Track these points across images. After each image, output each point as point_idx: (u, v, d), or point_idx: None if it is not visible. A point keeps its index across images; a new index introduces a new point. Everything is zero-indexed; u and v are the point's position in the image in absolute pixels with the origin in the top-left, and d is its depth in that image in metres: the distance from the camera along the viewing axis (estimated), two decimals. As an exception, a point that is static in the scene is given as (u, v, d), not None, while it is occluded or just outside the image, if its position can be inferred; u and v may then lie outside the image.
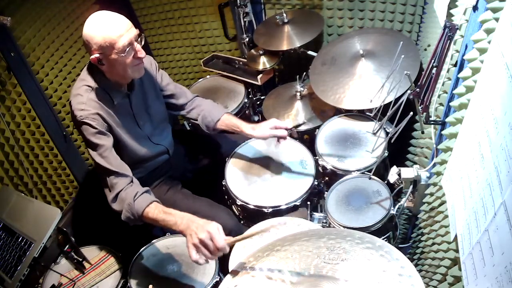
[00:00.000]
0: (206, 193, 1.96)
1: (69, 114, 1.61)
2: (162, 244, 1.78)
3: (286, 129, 1.80)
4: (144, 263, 1.71)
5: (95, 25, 1.44)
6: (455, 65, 1.32)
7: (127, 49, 1.46)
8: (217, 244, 1.28)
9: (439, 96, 1.48)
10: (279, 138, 1.81)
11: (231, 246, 1.39)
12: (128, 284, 1.66)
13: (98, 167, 1.55)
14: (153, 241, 1.79)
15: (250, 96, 2.56)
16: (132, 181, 1.55)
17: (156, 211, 1.48)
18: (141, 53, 1.51)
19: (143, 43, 1.55)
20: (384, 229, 1.69)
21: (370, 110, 1.90)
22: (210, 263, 1.65)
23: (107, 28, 1.43)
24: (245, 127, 1.84)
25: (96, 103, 1.55)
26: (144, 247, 1.78)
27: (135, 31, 1.49)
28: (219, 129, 1.93)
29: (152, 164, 1.89)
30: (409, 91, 1.45)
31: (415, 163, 1.97)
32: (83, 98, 1.54)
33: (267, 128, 1.79)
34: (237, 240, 1.31)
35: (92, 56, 1.48)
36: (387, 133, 1.81)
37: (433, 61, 1.36)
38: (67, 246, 1.83)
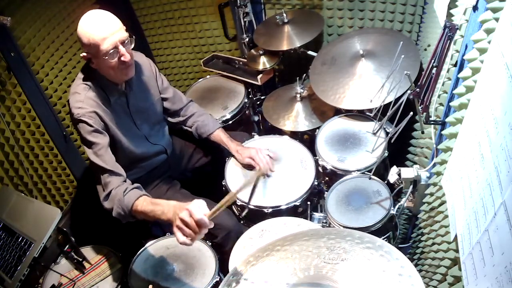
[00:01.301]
0: (206, 193, 1.96)
1: (69, 113, 1.62)
2: (162, 244, 1.78)
3: (258, 165, 1.88)
4: (144, 263, 1.71)
5: (84, 25, 1.46)
6: (455, 65, 1.32)
7: (111, 52, 1.47)
8: (195, 217, 1.22)
9: (439, 96, 1.48)
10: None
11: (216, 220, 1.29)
12: (128, 284, 1.66)
13: (92, 165, 1.56)
14: (153, 241, 1.79)
15: (250, 96, 2.56)
16: (125, 181, 1.56)
17: (145, 203, 1.46)
18: (125, 57, 1.51)
19: (132, 45, 1.55)
20: (384, 229, 1.69)
21: (370, 110, 1.90)
22: (210, 263, 1.65)
23: (92, 30, 1.44)
24: (232, 148, 1.96)
25: (94, 101, 1.56)
26: (144, 247, 1.78)
27: (121, 35, 1.48)
28: (210, 140, 2.01)
29: (150, 164, 1.89)
30: (409, 91, 1.45)
31: (415, 163, 1.97)
32: (81, 96, 1.55)
33: (246, 157, 1.91)
34: (215, 211, 1.23)
35: (82, 54, 1.52)
36: (387, 133, 1.81)
37: (433, 61, 1.36)
38: (67, 246, 1.83)
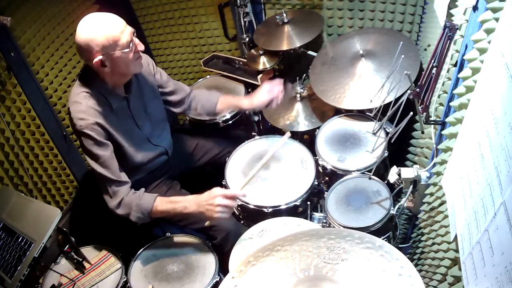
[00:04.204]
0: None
1: (70, 123, 1.60)
2: (162, 244, 1.79)
3: (280, 88, 1.89)
4: (144, 263, 1.72)
5: (93, 27, 1.42)
6: (455, 65, 1.32)
7: (131, 44, 1.49)
8: (229, 195, 1.53)
9: (439, 96, 1.48)
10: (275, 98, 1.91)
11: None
12: (128, 284, 1.66)
13: (98, 176, 1.58)
14: (153, 241, 1.80)
15: (250, 96, 2.56)
16: (131, 187, 1.63)
17: (163, 203, 1.62)
18: (141, 46, 1.55)
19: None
20: (384, 229, 1.69)
21: (370, 110, 1.90)
22: (210, 263, 1.66)
23: (107, 27, 1.43)
24: (243, 103, 1.95)
25: (95, 110, 1.54)
26: (144, 247, 1.78)
27: (130, 27, 1.52)
28: (219, 111, 2.01)
29: (151, 166, 1.89)
30: (409, 91, 1.45)
31: (415, 163, 1.97)
32: (82, 106, 1.52)
33: (264, 95, 1.88)
34: (247, 182, 1.63)
35: (96, 59, 1.45)
36: (387, 133, 1.81)
37: (433, 61, 1.36)
38: (67, 246, 1.83)
